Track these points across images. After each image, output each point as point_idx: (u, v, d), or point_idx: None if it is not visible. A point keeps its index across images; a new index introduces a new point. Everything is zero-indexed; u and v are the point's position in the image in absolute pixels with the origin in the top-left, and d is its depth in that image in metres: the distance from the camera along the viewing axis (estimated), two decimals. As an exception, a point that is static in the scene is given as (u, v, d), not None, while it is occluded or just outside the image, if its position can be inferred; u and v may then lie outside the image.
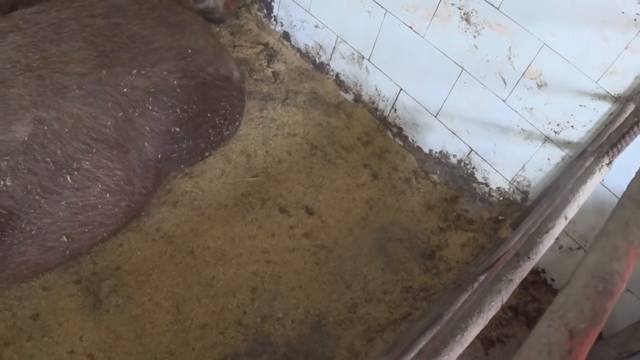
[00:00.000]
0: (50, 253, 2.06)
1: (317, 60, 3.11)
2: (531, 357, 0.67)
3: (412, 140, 2.84)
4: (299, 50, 3.18)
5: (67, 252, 2.11)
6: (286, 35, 3.21)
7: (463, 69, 2.44)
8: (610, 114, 2.07)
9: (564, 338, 0.69)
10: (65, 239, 2.06)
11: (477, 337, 2.29)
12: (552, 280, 2.58)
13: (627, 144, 1.51)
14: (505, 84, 2.32)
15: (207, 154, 2.53)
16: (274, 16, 3.21)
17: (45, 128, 1.91)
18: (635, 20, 1.85)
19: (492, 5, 2.21)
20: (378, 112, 2.94)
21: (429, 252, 2.59)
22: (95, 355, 2.07)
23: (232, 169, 2.65)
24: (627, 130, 1.52)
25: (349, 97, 3.05)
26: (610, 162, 1.46)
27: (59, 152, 1.94)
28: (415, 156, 2.86)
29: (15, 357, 2.02)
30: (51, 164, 1.94)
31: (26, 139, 1.88)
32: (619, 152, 1.48)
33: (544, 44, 2.12)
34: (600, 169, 1.43)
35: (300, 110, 2.95)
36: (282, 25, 3.20)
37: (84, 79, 2.00)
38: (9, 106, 1.86)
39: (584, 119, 2.15)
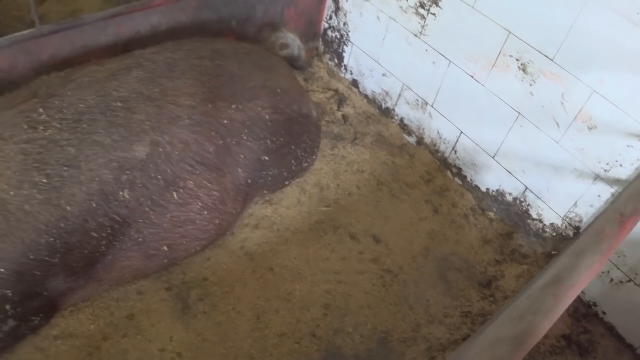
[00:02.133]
0: (151, 260, 2.36)
1: (384, 106, 3.43)
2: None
3: (471, 180, 3.09)
4: (366, 96, 3.52)
5: (165, 260, 2.41)
6: (355, 83, 3.56)
7: (520, 113, 2.70)
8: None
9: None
10: (166, 248, 2.36)
11: (533, 361, 2.50)
12: (604, 313, 2.73)
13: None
14: (559, 127, 2.57)
15: (287, 182, 2.83)
16: (345, 65, 3.57)
17: (160, 150, 2.24)
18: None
19: (547, 57, 2.49)
20: (439, 154, 3.21)
21: (486, 281, 2.79)
22: (183, 355, 2.32)
23: (307, 198, 2.94)
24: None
25: (412, 139, 3.34)
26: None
27: (169, 171, 2.27)
28: (473, 194, 3.10)
29: (112, 351, 2.28)
30: (162, 181, 2.26)
31: (144, 158, 2.21)
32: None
33: (594, 90, 2.38)
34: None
35: (368, 150, 3.24)
36: (351, 74, 3.56)
37: (193, 110, 2.34)
38: (133, 129, 2.20)
39: (631, 158, 2.36)
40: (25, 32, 2.51)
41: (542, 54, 2.51)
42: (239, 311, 2.47)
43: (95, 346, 2.28)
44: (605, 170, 2.48)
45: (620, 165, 2.41)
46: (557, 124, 2.57)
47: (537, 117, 2.64)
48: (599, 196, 2.54)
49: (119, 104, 2.22)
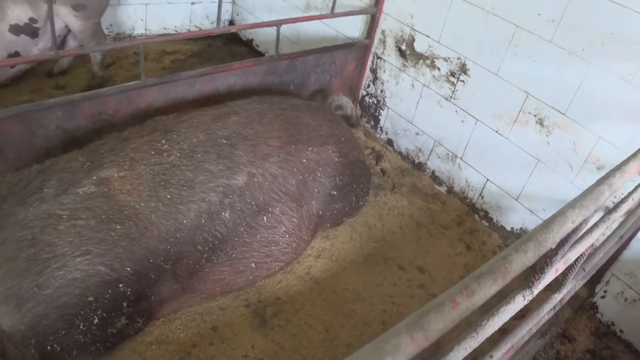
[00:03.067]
0: (239, 276, 2.75)
1: (416, 161, 3.95)
2: None
3: (497, 221, 3.56)
4: (400, 153, 4.05)
5: (251, 277, 2.79)
6: (390, 142, 4.11)
7: (539, 160, 3.23)
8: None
9: None
10: (253, 265, 2.75)
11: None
12: (621, 331, 3.14)
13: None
14: (572, 169, 3.08)
15: (345, 218, 3.27)
16: (380, 127, 4.13)
17: (255, 180, 2.70)
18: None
19: (560, 111, 3.05)
20: (467, 200, 3.71)
21: (517, 305, 3.20)
22: (264, 360, 2.67)
23: (358, 235, 3.37)
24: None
25: (443, 189, 3.84)
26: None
27: (261, 198, 2.71)
28: (499, 234, 3.56)
29: (201, 356, 2.59)
30: (255, 206, 2.69)
31: (242, 185, 2.66)
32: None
33: (600, 137, 2.91)
34: None
35: (405, 197, 3.73)
36: (386, 134, 4.11)
37: (279, 150, 2.82)
38: (234, 161, 2.66)
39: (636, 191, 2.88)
40: (131, 83, 3.03)
41: (556, 110, 3.07)
42: (310, 325, 2.83)
43: (186, 351, 2.60)
44: (613, 203, 2.98)
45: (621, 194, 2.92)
46: (571, 167, 3.09)
47: (554, 162, 3.16)
48: (608, 226, 3.03)
49: (224, 140, 2.69)
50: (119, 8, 4.74)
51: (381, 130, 4.16)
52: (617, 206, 1.85)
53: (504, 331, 1.89)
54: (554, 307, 2.05)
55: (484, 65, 3.35)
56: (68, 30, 4.01)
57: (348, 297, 3.01)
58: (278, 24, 3.44)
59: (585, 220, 1.29)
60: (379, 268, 3.21)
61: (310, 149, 2.93)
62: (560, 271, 1.57)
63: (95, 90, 2.97)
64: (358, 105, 4.26)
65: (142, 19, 4.94)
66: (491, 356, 1.62)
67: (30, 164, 2.48)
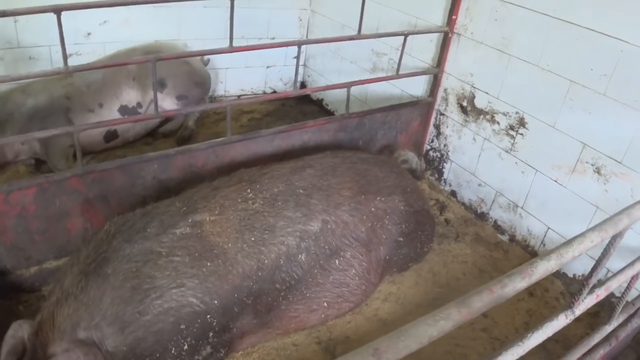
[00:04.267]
0: (313, 314, 2.99)
1: (479, 211, 4.15)
2: None
3: (560, 269, 3.68)
4: (463, 203, 4.26)
5: (323, 315, 3.02)
6: (453, 193, 4.33)
7: (597, 207, 3.36)
8: None
9: None
10: (325, 304, 2.99)
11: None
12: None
13: None
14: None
15: (410, 264, 3.48)
16: (444, 179, 4.37)
17: (328, 227, 2.96)
18: None
19: (616, 160, 3.20)
20: (529, 248, 3.85)
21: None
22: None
23: (422, 281, 3.57)
24: None
25: (505, 237, 4.00)
26: None
27: (333, 243, 2.97)
28: (561, 280, 3.67)
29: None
30: (328, 250, 2.95)
31: (317, 231, 2.93)
32: None
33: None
34: None
35: (468, 246, 3.91)
36: (450, 186, 4.34)
37: (350, 199, 3.09)
38: (310, 209, 2.95)
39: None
40: (218, 140, 3.42)
41: (612, 159, 3.22)
42: (379, 363, 3.03)
43: (263, 384, 2.86)
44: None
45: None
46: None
47: (612, 209, 3.27)
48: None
49: (301, 190, 2.99)
50: (202, 73, 5.24)
51: (445, 182, 4.39)
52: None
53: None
54: (608, 341, 2.19)
55: (542, 119, 3.56)
56: None
57: (414, 338, 3.18)
58: (348, 85, 3.78)
59: (611, 249, 1.50)
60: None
61: (378, 198, 3.19)
62: (602, 297, 1.74)
63: (187, 145, 3.37)
64: (422, 159, 4.51)
65: (222, 82, 5.44)
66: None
67: (133, 209, 2.85)
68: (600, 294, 1.76)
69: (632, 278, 1.95)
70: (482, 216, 4.14)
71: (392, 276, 3.50)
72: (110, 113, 4.19)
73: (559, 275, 3.70)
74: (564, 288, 3.66)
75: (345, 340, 3.13)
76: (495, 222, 4.06)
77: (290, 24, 5.56)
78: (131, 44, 4.54)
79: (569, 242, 1.36)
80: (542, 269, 1.24)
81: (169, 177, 3.35)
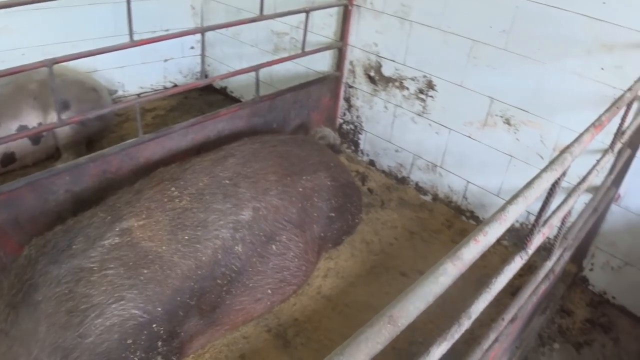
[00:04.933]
0: (258, 303, 2.95)
1: (399, 176, 4.23)
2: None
3: (483, 218, 3.84)
4: (383, 171, 4.33)
5: (268, 303, 2.99)
6: (372, 162, 4.39)
7: (512, 156, 3.52)
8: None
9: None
10: (269, 291, 2.95)
11: (569, 342, 3.12)
12: (614, 298, 3.42)
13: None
14: (543, 159, 3.38)
15: (344, 237, 3.51)
16: (361, 150, 4.42)
17: (260, 213, 2.92)
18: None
19: (523, 110, 3.36)
20: (453, 204, 3.98)
21: (514, 290, 3.46)
22: (294, 377, 2.86)
23: (357, 252, 3.61)
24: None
25: (428, 197, 4.11)
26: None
27: (267, 229, 2.93)
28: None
29: (234, 384, 2.81)
30: (263, 237, 2.91)
31: (250, 219, 2.88)
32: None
33: (562, 126, 3.22)
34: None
35: (395, 211, 3.99)
36: (368, 156, 4.39)
37: (277, 183, 3.05)
38: (239, 199, 2.89)
39: (601, 167, 3.17)
40: (130, 141, 3.28)
41: (520, 109, 3.38)
42: (330, 338, 3.04)
43: (219, 382, 2.81)
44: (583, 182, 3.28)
45: (578, 176, 3.21)
46: (541, 157, 3.39)
47: (525, 156, 3.46)
48: (584, 203, 3.32)
49: (227, 181, 2.92)
50: (95, 74, 4.97)
51: (362, 153, 4.45)
52: (584, 178, 2.13)
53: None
54: (548, 277, 2.32)
55: (449, 79, 3.67)
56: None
57: (360, 309, 3.23)
58: (256, 68, 3.72)
59: (557, 188, 1.58)
60: (383, 278, 3.44)
61: (304, 178, 3.17)
62: (547, 235, 1.83)
63: (99, 151, 3.19)
64: (337, 133, 4.54)
65: (119, 82, 5.20)
66: (503, 319, 1.87)
67: (51, 227, 2.67)
68: (545, 232, 1.84)
69: (566, 214, 2.05)
70: (403, 180, 4.23)
71: (328, 252, 3.52)
72: (8, 134, 3.89)
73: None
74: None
75: (294, 322, 3.12)
76: (416, 184, 4.17)
77: (184, 13, 5.39)
78: (15, 52, 4.23)
79: (529, 184, 1.45)
80: (513, 211, 1.29)
81: (83, 187, 3.17)
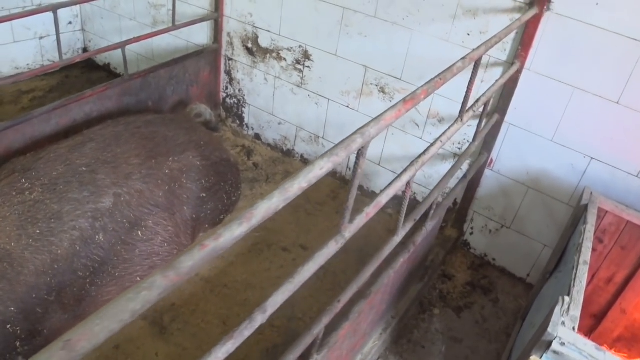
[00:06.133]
0: (129, 293, 2.86)
1: (285, 149, 4.18)
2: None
3: (367, 188, 3.85)
4: (269, 145, 4.26)
5: (140, 291, 2.91)
6: (257, 136, 4.31)
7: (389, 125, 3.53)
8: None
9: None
10: (139, 279, 2.87)
11: (449, 306, 3.18)
12: (494, 259, 3.52)
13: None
14: (419, 127, 3.41)
15: (222, 216, 3.44)
16: (246, 124, 4.32)
17: (122, 199, 2.81)
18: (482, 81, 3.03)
19: (396, 77, 3.36)
20: (338, 175, 3.97)
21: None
22: (170, 364, 2.81)
23: (240, 229, 3.55)
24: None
25: (313, 169, 4.08)
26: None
27: (131, 215, 2.82)
28: (371, 199, 3.84)
29: (106, 377, 2.74)
30: (127, 224, 2.81)
31: (111, 206, 2.77)
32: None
33: (435, 93, 3.25)
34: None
35: (280, 185, 3.94)
36: (253, 129, 4.31)
37: (141, 166, 2.93)
38: (98, 186, 2.76)
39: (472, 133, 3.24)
40: (-19, 130, 3.05)
41: (393, 77, 3.38)
42: (208, 321, 2.99)
43: (92, 375, 2.72)
44: (459, 148, 3.33)
45: (468, 141, 3.27)
46: (417, 125, 3.41)
47: (402, 124, 3.48)
48: (461, 169, 3.37)
49: (84, 168, 2.78)
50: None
51: (247, 127, 4.35)
52: (426, 150, 2.12)
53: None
54: (407, 248, 2.35)
55: (324, 49, 3.62)
56: None
57: (239, 288, 3.19)
58: (123, 45, 3.53)
59: (360, 165, 1.53)
60: (264, 255, 3.41)
61: (171, 159, 3.07)
62: (372, 214, 1.80)
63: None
64: (222, 107, 4.42)
65: (-10, 63, 4.87)
66: (339, 301, 1.86)
67: None
68: (370, 211, 1.82)
69: (407, 187, 2.04)
70: (289, 153, 4.19)
71: (209, 230, 3.45)
72: None
73: (368, 193, 3.88)
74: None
75: (170, 308, 3.04)
76: (301, 156, 4.13)
77: (56, -14, 5.05)
78: None
79: (293, 177, 1.33)
80: (264, 207, 1.20)
81: None
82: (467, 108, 2.45)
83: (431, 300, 3.36)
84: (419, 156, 2.13)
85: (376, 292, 2.32)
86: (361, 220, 1.75)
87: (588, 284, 2.99)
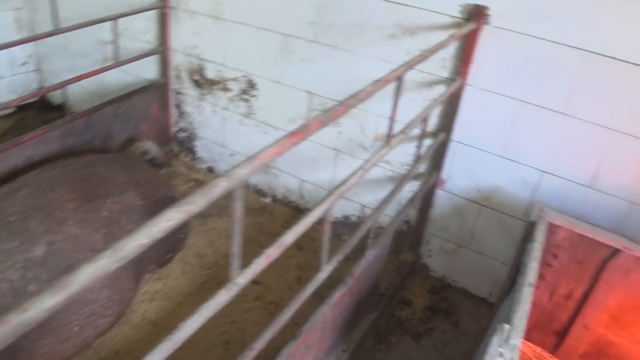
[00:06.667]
0: (66, 343, 2.75)
1: (238, 180, 4.10)
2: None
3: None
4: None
5: (79, 340, 2.79)
6: (210, 169, 4.24)
7: (337, 150, 3.46)
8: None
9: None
10: (77, 329, 2.77)
11: (407, 333, 3.09)
12: (454, 281, 3.44)
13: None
14: (366, 150, 3.34)
15: (169, 255, 3.35)
16: (199, 157, 4.25)
17: (55, 246, 2.72)
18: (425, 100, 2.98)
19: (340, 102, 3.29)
20: (292, 204, 3.89)
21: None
22: (115, 416, 2.70)
23: (190, 268, 3.46)
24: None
25: (268, 200, 4.01)
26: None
27: (67, 262, 2.73)
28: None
29: None
30: (62, 271, 2.72)
31: (43, 254, 2.68)
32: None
33: (379, 115, 3.20)
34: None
35: (234, 218, 3.85)
36: (206, 162, 4.23)
37: (76, 211, 2.85)
38: (30, 234, 2.68)
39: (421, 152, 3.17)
40: None
41: (336, 101, 3.29)
42: (154, 368, 2.89)
43: None
44: (407, 169, 3.26)
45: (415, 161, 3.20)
46: (364, 148, 3.35)
47: (350, 148, 3.41)
48: (411, 190, 3.30)
49: (14, 217, 2.70)
50: None
51: (200, 160, 4.28)
52: (345, 181, 2.05)
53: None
54: (344, 281, 2.26)
55: (268, 77, 3.57)
56: None
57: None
58: (63, 85, 3.48)
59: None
60: (214, 293, 3.31)
61: (109, 200, 2.98)
62: (275, 256, 1.71)
63: None
64: (174, 142, 4.35)
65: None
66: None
67: None
68: (272, 253, 1.73)
69: (325, 222, 1.96)
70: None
71: (157, 273, 3.35)
72: None
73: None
74: (331, 233, 3.74)
75: (115, 355, 2.95)
76: (255, 187, 4.05)
77: (7, 26, 4.98)
78: None
79: (133, 233, 1.12)
80: (87, 273, 0.99)
81: None
82: (392, 132, 2.38)
83: (389, 328, 3.26)
84: (336, 187, 2.04)
85: (308, 332, 2.23)
86: (260, 263, 1.65)
87: (548, 300, 2.92)
